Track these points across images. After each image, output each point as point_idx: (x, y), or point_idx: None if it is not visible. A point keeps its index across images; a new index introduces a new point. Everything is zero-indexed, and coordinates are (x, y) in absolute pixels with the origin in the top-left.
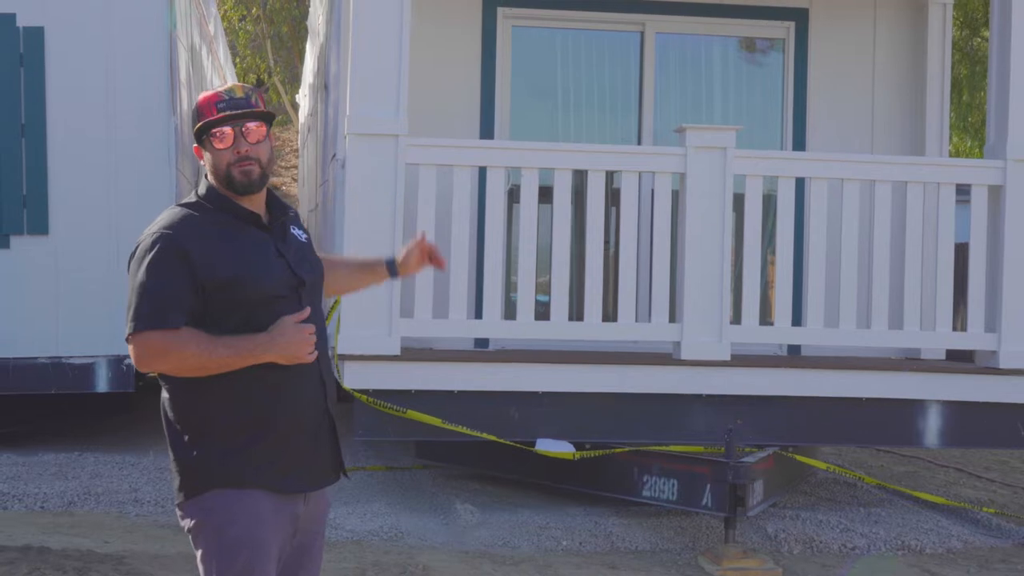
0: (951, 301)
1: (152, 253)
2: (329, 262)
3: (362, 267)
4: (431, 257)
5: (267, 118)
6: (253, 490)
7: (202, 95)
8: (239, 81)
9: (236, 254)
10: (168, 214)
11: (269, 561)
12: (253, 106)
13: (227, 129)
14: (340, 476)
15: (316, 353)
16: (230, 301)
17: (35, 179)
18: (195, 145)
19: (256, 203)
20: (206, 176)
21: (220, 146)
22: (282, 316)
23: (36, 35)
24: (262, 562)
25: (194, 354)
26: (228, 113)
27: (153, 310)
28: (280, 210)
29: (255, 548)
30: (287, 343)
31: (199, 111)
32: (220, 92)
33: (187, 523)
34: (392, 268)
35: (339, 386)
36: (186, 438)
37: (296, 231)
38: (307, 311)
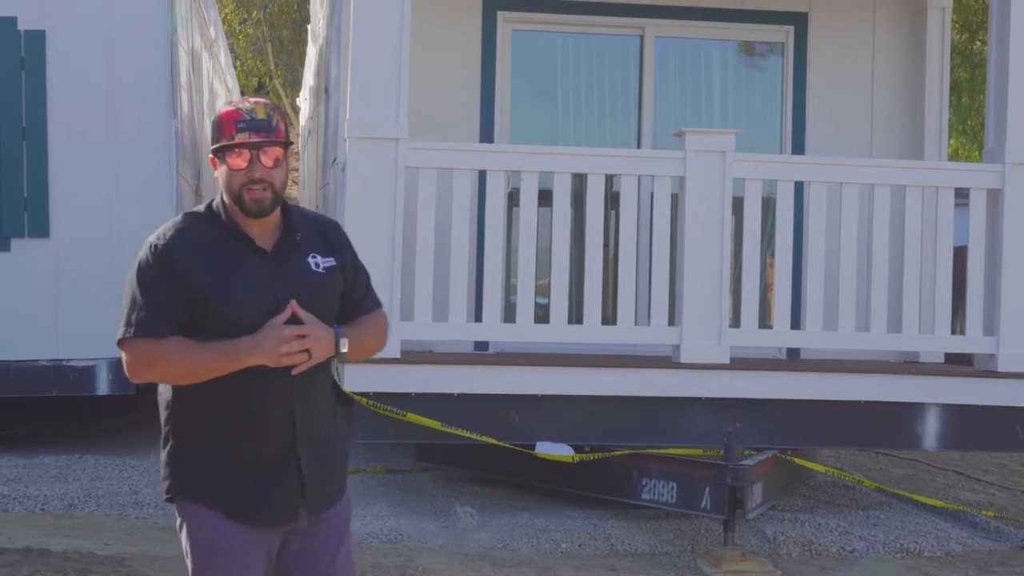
0: (950, 304)
1: (141, 262)
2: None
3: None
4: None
5: (286, 146)
6: (201, 505)
7: (223, 109)
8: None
9: (212, 271)
10: (168, 223)
11: (247, 566)
12: (273, 129)
13: (245, 149)
14: (306, 519)
15: (299, 357)
16: (204, 318)
17: (36, 182)
18: (211, 156)
19: (265, 225)
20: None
21: (235, 166)
22: None
23: (37, 38)
24: (238, 566)
25: (179, 360)
26: (246, 140)
27: (140, 318)
28: (287, 234)
29: (225, 553)
30: (269, 345)
31: (218, 126)
32: (241, 110)
33: (177, 519)
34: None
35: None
36: (163, 437)
37: (315, 258)
38: (289, 311)
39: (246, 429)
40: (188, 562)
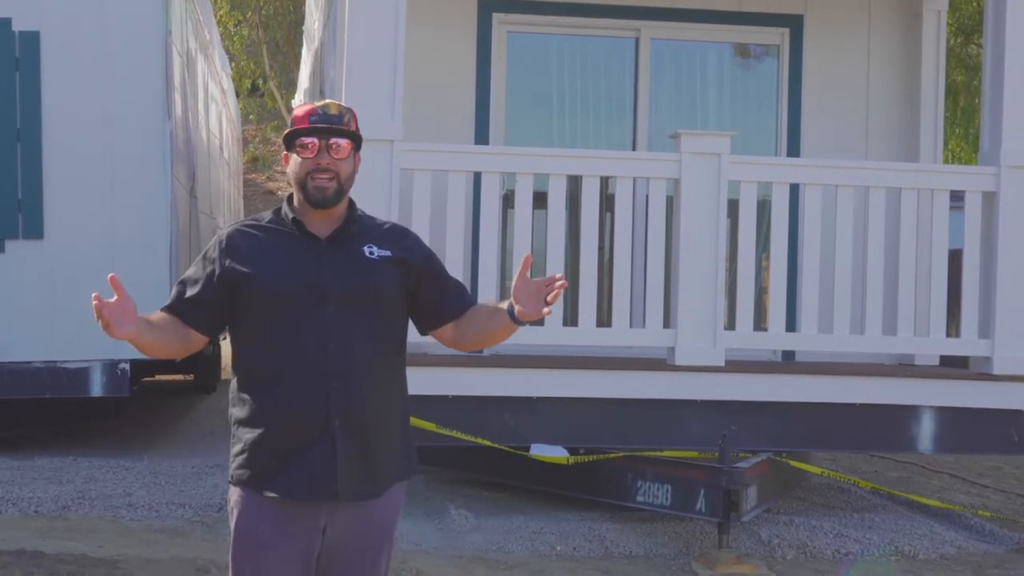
0: (945, 307)
1: (205, 248)
2: (472, 310)
3: (489, 311)
4: (547, 297)
5: (355, 138)
6: (245, 488)
7: (299, 108)
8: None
9: (258, 252)
10: (247, 217)
11: (282, 555)
12: (344, 125)
13: (315, 140)
14: (340, 503)
15: (106, 324)
16: (248, 295)
17: (31, 183)
18: (284, 153)
19: (327, 217)
20: None
21: (305, 155)
22: (301, 322)
23: (32, 39)
24: (272, 553)
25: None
26: (317, 125)
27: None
28: (345, 226)
29: (259, 539)
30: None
31: (293, 122)
32: (316, 107)
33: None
34: (512, 314)
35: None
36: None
37: (370, 247)
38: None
39: (282, 410)
40: (231, 546)
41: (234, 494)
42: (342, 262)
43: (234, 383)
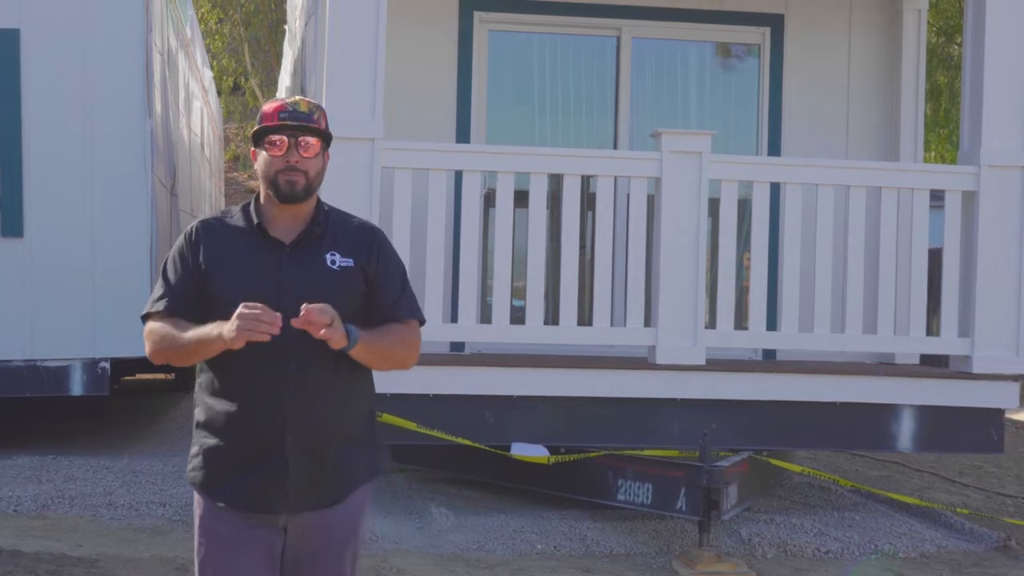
0: (925, 306)
1: (174, 246)
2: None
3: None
4: None
5: (324, 136)
6: (202, 491)
7: (268, 103)
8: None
9: (221, 255)
10: (217, 211)
11: (243, 556)
12: (314, 122)
13: (284, 137)
14: (288, 514)
15: (253, 334)
16: (210, 298)
17: (10, 182)
18: (252, 149)
19: (293, 217)
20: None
21: (274, 153)
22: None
23: (11, 37)
24: (233, 554)
25: (166, 335)
26: (286, 123)
27: (155, 298)
28: (309, 229)
29: (220, 540)
30: (237, 321)
31: (262, 116)
32: (286, 103)
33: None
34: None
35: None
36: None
37: (333, 256)
38: (279, 316)
39: (237, 421)
40: (194, 543)
41: (195, 492)
42: (302, 272)
43: (198, 382)
